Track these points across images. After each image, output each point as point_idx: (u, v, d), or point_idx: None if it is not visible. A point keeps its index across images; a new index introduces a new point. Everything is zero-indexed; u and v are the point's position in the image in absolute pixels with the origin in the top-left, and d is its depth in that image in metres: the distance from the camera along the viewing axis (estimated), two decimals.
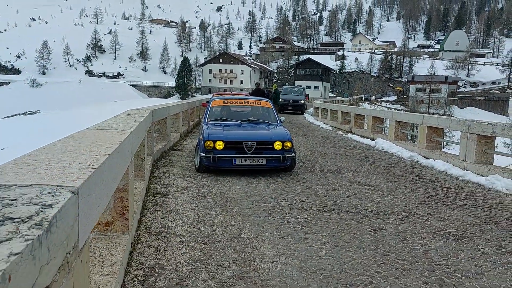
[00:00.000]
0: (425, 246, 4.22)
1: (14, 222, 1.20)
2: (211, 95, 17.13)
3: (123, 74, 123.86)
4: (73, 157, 2.22)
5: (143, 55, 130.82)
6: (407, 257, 3.92)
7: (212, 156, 7.19)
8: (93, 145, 2.75)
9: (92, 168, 1.99)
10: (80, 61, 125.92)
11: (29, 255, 1.06)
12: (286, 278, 3.41)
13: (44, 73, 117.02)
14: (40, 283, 1.15)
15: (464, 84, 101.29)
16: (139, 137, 5.03)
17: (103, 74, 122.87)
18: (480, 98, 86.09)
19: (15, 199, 1.40)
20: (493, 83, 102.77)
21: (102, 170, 2.14)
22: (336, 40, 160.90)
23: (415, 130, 15.19)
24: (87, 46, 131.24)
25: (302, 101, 30.17)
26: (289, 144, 7.47)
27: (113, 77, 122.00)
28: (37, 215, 1.27)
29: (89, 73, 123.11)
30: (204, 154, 7.26)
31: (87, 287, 1.96)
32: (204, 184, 6.74)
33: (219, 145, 7.23)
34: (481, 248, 4.18)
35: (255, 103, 9.27)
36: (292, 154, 7.57)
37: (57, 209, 1.34)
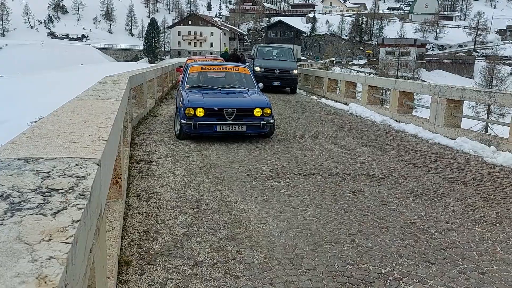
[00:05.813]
0: (400, 206, 4.54)
1: (59, 193, 1.32)
2: (185, 59, 16.85)
3: (87, 36, 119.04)
4: (81, 130, 2.31)
5: (108, 16, 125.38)
6: (385, 216, 4.22)
7: (193, 123, 7.27)
8: (92, 116, 2.82)
9: (103, 140, 2.10)
10: (41, 22, 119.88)
11: (83, 221, 1.19)
12: (275, 238, 3.64)
13: (3, 35, 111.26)
14: (87, 246, 1.29)
15: (432, 47, 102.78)
16: (124, 105, 5.06)
17: (67, 36, 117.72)
18: (447, 61, 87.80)
19: (50, 172, 1.51)
20: (460, 46, 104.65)
21: (110, 141, 2.25)
22: (307, 2, 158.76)
23: (384, 94, 15.53)
24: (48, 6, 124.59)
25: (295, 71, 18.57)
26: (268, 111, 7.61)
27: (77, 39, 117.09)
28: (77, 186, 1.39)
29: (52, 35, 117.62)
30: (184, 121, 7.32)
31: (105, 249, 2.11)
32: (187, 151, 6.86)
33: (200, 112, 7.30)
34: (451, 207, 4.53)
35: (233, 70, 9.29)
36: (272, 121, 7.73)
37: (91, 180, 1.46)
